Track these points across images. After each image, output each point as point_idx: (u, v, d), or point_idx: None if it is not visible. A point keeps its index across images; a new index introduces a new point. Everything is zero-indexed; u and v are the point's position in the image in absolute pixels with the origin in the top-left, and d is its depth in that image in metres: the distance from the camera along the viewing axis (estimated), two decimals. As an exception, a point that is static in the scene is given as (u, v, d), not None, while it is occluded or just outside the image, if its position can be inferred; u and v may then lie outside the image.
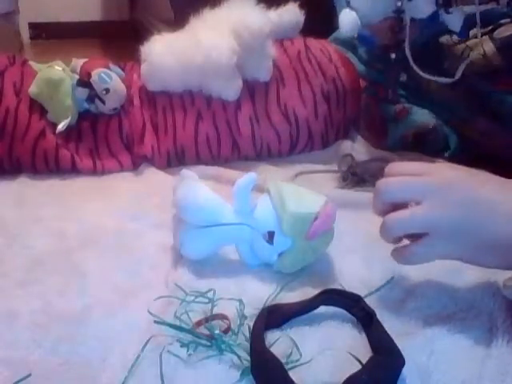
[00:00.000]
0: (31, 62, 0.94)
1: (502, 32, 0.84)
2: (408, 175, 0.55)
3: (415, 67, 0.84)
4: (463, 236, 0.52)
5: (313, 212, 0.60)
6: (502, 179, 0.55)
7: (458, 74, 0.84)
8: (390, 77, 0.95)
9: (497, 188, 0.53)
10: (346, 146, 0.97)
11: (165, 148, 0.92)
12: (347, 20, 0.83)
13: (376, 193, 0.56)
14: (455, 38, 0.88)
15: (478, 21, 0.81)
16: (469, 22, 0.84)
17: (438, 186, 0.53)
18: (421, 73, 0.84)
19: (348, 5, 0.82)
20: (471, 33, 0.86)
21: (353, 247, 0.67)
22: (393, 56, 0.87)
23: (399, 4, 0.80)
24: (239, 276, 0.62)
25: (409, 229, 0.54)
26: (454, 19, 0.81)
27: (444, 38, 0.87)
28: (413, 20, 0.82)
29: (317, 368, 0.49)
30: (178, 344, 0.51)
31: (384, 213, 0.55)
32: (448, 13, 0.79)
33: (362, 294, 0.56)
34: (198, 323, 0.54)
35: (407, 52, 0.82)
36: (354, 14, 0.83)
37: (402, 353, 0.48)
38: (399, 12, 0.81)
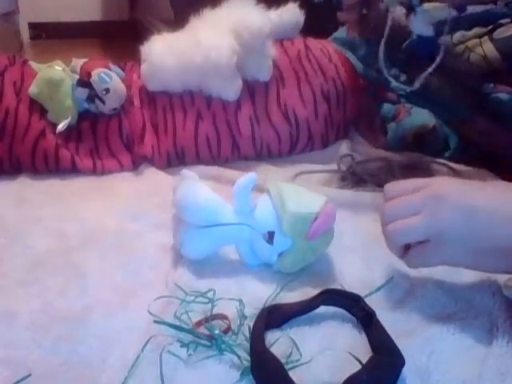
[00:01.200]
0: (31, 62, 0.94)
1: (502, 32, 0.83)
2: (406, 193, 0.56)
3: (384, 71, 0.90)
4: (462, 242, 0.52)
5: (313, 212, 0.60)
6: (499, 184, 0.55)
7: (417, 85, 0.88)
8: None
9: (495, 192, 0.54)
10: (346, 146, 0.97)
11: (165, 148, 0.92)
12: None
13: (381, 217, 0.57)
14: (455, 38, 0.88)
15: (447, 26, 0.85)
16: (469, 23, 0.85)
17: (436, 196, 0.53)
18: (385, 74, 0.90)
19: None
20: (471, 33, 0.86)
21: (353, 247, 0.67)
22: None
23: None
24: (239, 276, 0.62)
25: (408, 237, 0.55)
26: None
27: (443, 39, 0.87)
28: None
29: (317, 368, 0.49)
30: (178, 344, 0.51)
31: None
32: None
33: (362, 294, 0.56)
34: (198, 323, 0.54)
35: (381, 54, 0.89)
36: None
37: (402, 353, 0.48)
38: None
